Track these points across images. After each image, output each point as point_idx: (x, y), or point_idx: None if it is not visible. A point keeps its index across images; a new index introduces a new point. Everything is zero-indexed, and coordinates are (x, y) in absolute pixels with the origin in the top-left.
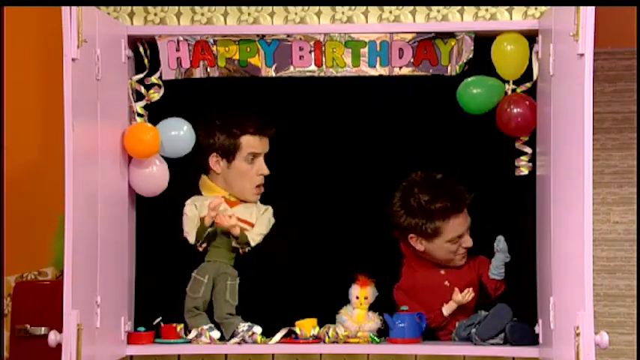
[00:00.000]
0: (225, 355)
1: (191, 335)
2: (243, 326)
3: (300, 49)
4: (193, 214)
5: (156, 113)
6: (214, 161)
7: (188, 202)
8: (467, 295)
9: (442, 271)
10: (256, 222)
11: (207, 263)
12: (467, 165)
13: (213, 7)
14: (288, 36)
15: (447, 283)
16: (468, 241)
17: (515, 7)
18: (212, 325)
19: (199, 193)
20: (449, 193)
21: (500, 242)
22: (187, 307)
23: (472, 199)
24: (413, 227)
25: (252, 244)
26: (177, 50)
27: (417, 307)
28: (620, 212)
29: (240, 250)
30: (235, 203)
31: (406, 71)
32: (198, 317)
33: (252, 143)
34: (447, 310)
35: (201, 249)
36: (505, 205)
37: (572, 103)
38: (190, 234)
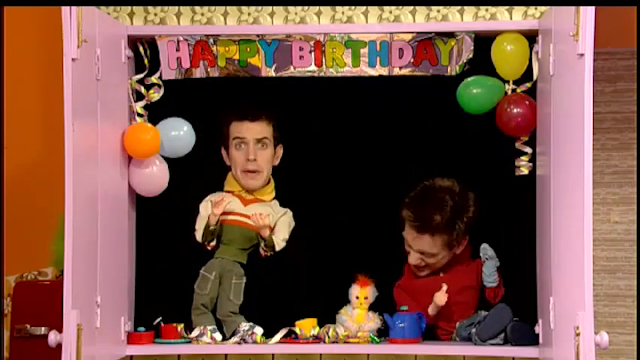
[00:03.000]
0: (225, 355)
1: (193, 334)
2: (245, 326)
3: (300, 49)
4: (207, 211)
5: (156, 113)
6: (223, 154)
7: (206, 198)
8: (442, 296)
9: (441, 274)
10: (275, 226)
11: (214, 260)
12: (467, 165)
13: (213, 7)
14: (288, 36)
15: (443, 288)
16: (411, 258)
17: (515, 7)
18: (215, 327)
19: (219, 190)
20: (422, 214)
21: (487, 250)
22: (195, 304)
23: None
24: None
25: (277, 248)
26: (177, 50)
27: (415, 306)
28: (620, 212)
29: (263, 254)
30: (250, 201)
31: (406, 71)
32: (203, 316)
33: (237, 129)
34: (431, 310)
35: (209, 247)
36: (505, 205)
37: (572, 103)
38: (198, 231)
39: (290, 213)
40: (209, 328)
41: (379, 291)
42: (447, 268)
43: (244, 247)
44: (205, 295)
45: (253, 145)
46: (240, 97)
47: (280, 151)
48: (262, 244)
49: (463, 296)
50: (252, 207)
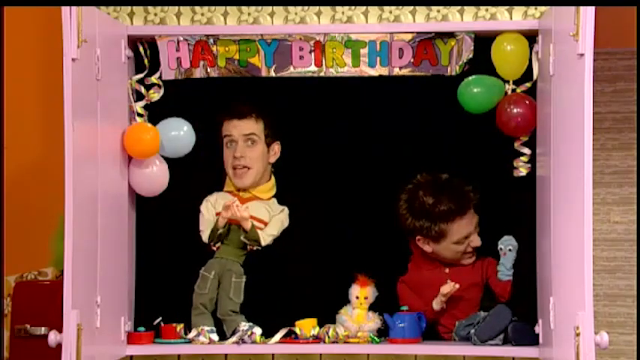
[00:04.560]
0: (225, 355)
1: (191, 334)
2: (244, 326)
3: (300, 49)
4: (209, 211)
5: (156, 113)
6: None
7: (206, 199)
8: (452, 287)
9: (446, 270)
10: (270, 222)
11: (214, 259)
12: (467, 165)
13: (213, 7)
14: (289, 36)
15: (449, 282)
16: (475, 241)
17: (515, 7)
18: (213, 328)
19: (219, 190)
20: (453, 196)
21: (512, 240)
22: (194, 303)
23: (477, 199)
24: (419, 229)
25: (263, 243)
26: (177, 50)
27: (418, 301)
28: (620, 212)
29: (249, 247)
30: (247, 200)
31: (406, 71)
32: (201, 316)
33: (226, 127)
34: (436, 304)
35: (215, 248)
36: (505, 206)
37: (572, 103)
38: (205, 232)
39: (286, 211)
40: (206, 328)
41: (380, 290)
42: (452, 265)
43: (241, 245)
44: (204, 295)
45: (242, 143)
46: (241, 97)
47: (277, 147)
48: (242, 236)
49: (468, 293)
50: (249, 205)
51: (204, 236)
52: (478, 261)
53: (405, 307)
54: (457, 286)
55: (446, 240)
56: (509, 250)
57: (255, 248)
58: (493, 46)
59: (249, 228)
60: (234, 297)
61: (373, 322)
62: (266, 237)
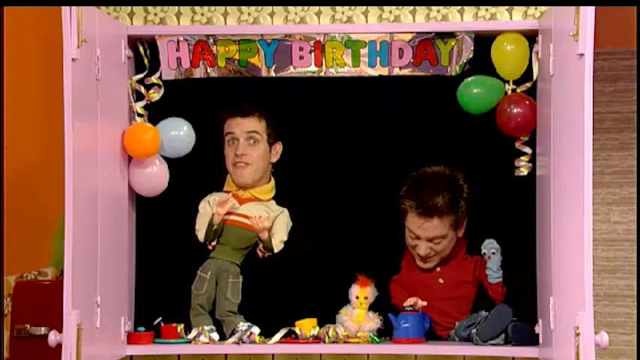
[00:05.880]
0: (225, 355)
1: (191, 335)
2: (243, 326)
3: (300, 49)
4: (206, 211)
5: (156, 113)
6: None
7: (204, 198)
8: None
9: (438, 269)
10: (273, 226)
11: (211, 260)
12: (467, 165)
13: (213, 7)
14: (288, 36)
15: (441, 280)
16: (420, 249)
17: (515, 7)
18: (213, 327)
19: (219, 190)
20: (424, 199)
21: (494, 244)
22: (192, 304)
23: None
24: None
25: (276, 250)
26: (177, 50)
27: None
28: (620, 212)
29: (261, 255)
30: (245, 200)
31: (406, 71)
32: (200, 317)
33: (229, 124)
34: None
35: (210, 247)
36: (505, 205)
37: (572, 103)
38: (200, 232)
39: (286, 212)
40: (206, 328)
41: (380, 290)
42: (444, 263)
43: (239, 246)
44: (202, 296)
45: (243, 141)
46: (241, 97)
47: (279, 147)
48: (260, 246)
49: (460, 291)
50: (247, 206)
51: (200, 236)
52: (470, 258)
53: (409, 307)
54: (424, 303)
55: (407, 219)
56: (493, 253)
57: (266, 255)
58: (493, 46)
59: (265, 238)
60: (231, 297)
61: (373, 322)
62: (278, 244)
